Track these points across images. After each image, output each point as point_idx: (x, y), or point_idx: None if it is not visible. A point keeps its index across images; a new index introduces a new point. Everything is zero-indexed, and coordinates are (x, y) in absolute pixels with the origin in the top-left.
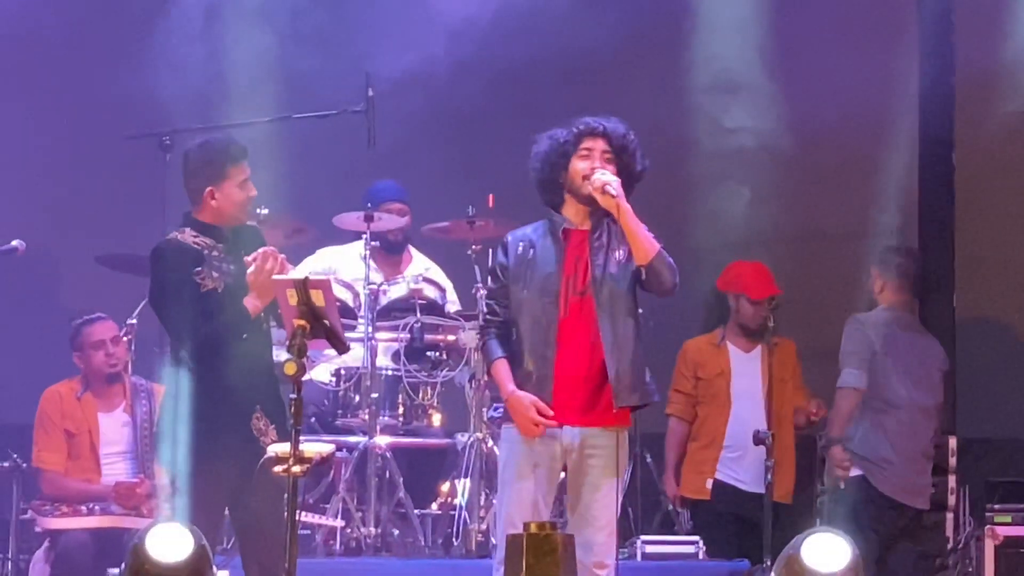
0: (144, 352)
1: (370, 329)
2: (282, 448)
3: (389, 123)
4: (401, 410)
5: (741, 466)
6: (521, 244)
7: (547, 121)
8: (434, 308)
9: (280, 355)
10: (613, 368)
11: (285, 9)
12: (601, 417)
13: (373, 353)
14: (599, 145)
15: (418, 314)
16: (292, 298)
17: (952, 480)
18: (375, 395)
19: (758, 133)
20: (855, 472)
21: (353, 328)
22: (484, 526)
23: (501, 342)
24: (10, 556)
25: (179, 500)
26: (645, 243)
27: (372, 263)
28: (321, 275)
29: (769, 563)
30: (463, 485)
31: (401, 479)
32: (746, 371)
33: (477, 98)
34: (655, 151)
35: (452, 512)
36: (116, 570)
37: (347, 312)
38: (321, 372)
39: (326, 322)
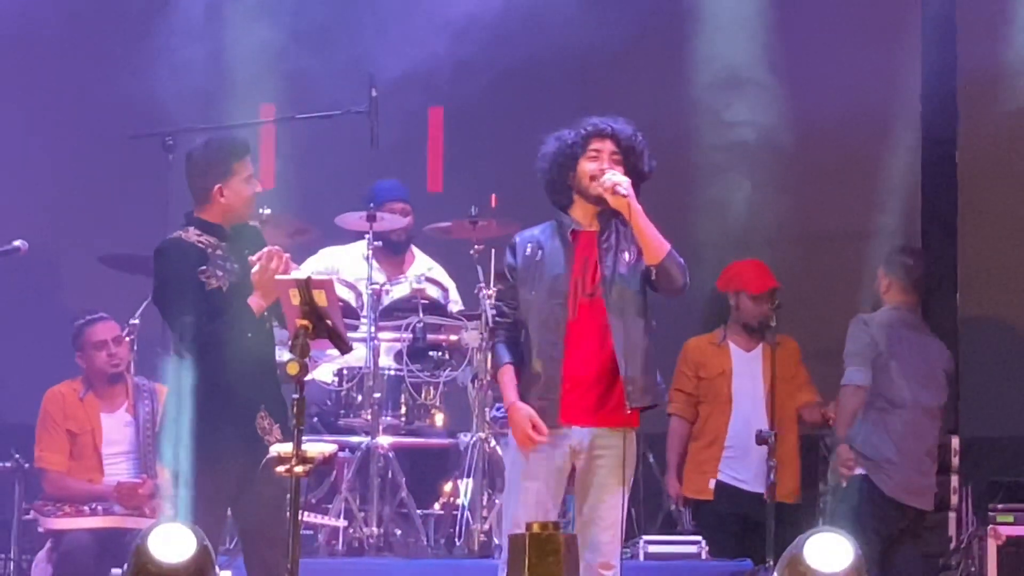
0: (146, 352)
1: (373, 329)
2: (284, 448)
3: (392, 123)
4: (404, 410)
5: (743, 466)
6: (529, 245)
7: (550, 121)
8: (437, 308)
9: (283, 355)
10: (626, 370)
11: (287, 9)
12: (610, 418)
13: (376, 353)
14: (607, 146)
15: (421, 314)
16: (295, 298)
17: (955, 480)
18: (377, 395)
19: (760, 133)
20: (858, 471)
21: (356, 328)
22: (487, 526)
23: (509, 346)
24: (12, 557)
25: (181, 500)
26: (655, 243)
27: (375, 263)
28: (324, 275)
29: (772, 563)
30: (466, 485)
31: (403, 479)
32: (747, 370)
33: (479, 98)
34: (656, 149)
35: (455, 512)
36: (119, 570)
37: (350, 312)
38: (323, 372)
39: (329, 322)
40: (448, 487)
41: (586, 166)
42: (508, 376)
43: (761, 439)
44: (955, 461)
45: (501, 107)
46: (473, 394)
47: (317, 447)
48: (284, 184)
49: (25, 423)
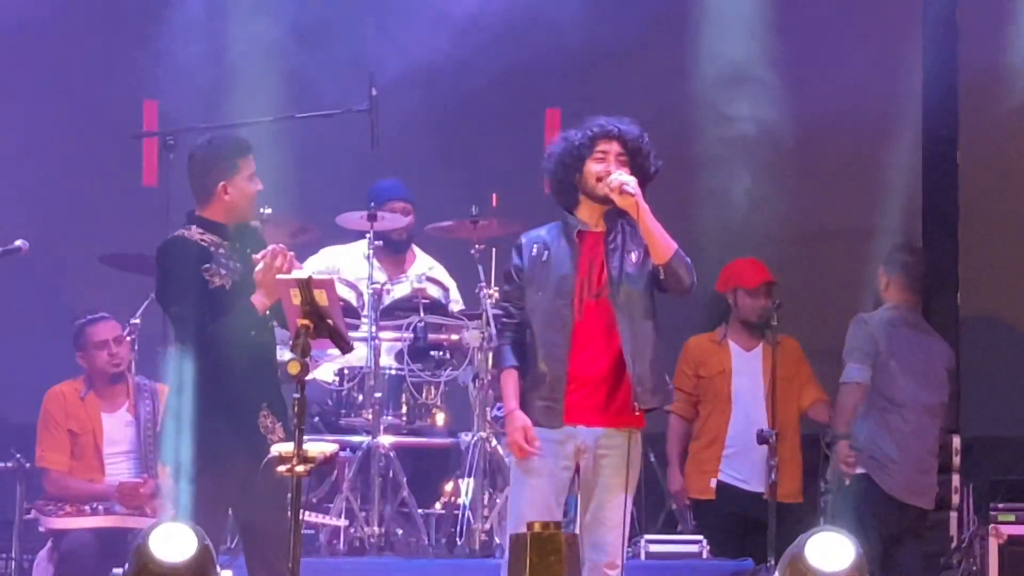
0: (147, 352)
1: (374, 328)
2: (285, 447)
3: (393, 122)
4: (405, 409)
5: (743, 465)
6: (535, 246)
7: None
8: (437, 307)
9: (284, 354)
10: (634, 370)
11: (288, 8)
12: (616, 418)
13: (377, 352)
14: (614, 147)
15: (422, 313)
16: (296, 297)
17: (956, 479)
18: (378, 394)
19: (761, 131)
20: (859, 471)
21: (357, 327)
22: (488, 525)
23: (514, 348)
24: (14, 556)
25: (183, 499)
26: (663, 242)
27: (376, 262)
28: (325, 274)
29: (773, 562)
30: (467, 484)
31: (405, 478)
32: (747, 369)
33: (480, 97)
34: (657, 148)
35: (456, 512)
36: (120, 570)
37: (351, 311)
38: (325, 372)
39: (330, 321)
40: (449, 486)
41: (593, 167)
42: (510, 382)
43: (762, 438)
44: (956, 460)
45: (502, 106)
46: (474, 393)
47: (318, 447)
48: (285, 183)
49: (26, 423)
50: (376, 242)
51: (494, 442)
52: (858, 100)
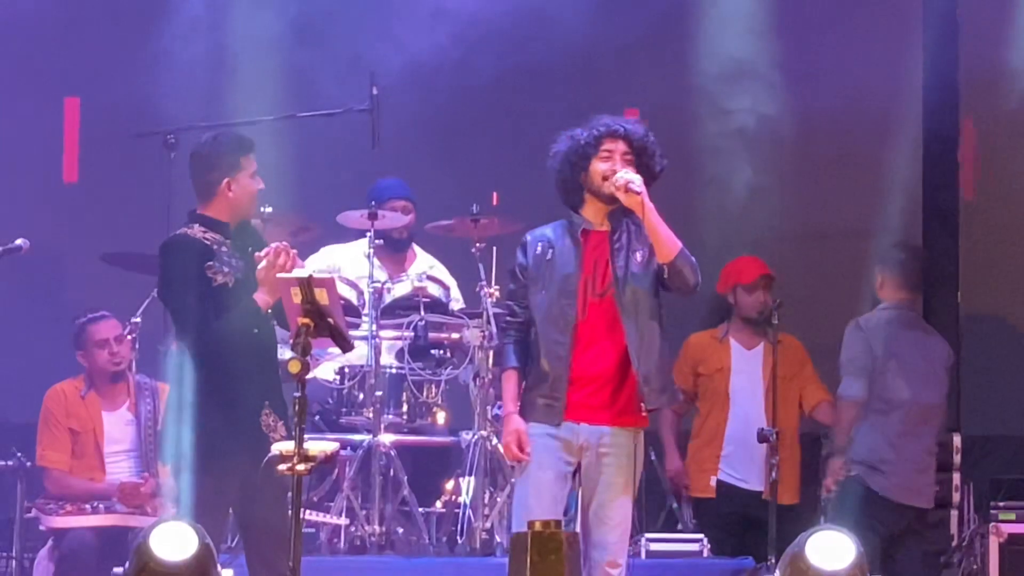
0: (148, 350)
1: (374, 327)
2: (286, 446)
3: (393, 121)
4: (405, 408)
5: (742, 464)
6: (540, 244)
7: (551, 119)
8: (438, 306)
9: (284, 353)
10: (640, 370)
11: (289, 6)
12: (620, 417)
13: (377, 351)
14: (619, 147)
15: (422, 312)
16: (296, 296)
17: (956, 477)
18: (379, 393)
19: (761, 130)
20: (852, 473)
21: (357, 326)
22: (488, 524)
23: (517, 348)
24: (14, 555)
25: (183, 498)
26: (668, 241)
27: (376, 261)
28: (325, 273)
29: (773, 561)
30: (467, 483)
31: (405, 477)
32: (747, 368)
33: (480, 95)
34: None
35: (456, 510)
36: (120, 569)
37: (351, 310)
38: (325, 370)
39: (330, 320)
40: (450, 485)
41: (598, 166)
42: (510, 383)
43: (763, 437)
44: (957, 459)
45: (502, 105)
46: (475, 392)
47: (319, 445)
48: (286, 182)
49: (27, 421)
50: (377, 241)
51: (495, 441)
52: (859, 98)
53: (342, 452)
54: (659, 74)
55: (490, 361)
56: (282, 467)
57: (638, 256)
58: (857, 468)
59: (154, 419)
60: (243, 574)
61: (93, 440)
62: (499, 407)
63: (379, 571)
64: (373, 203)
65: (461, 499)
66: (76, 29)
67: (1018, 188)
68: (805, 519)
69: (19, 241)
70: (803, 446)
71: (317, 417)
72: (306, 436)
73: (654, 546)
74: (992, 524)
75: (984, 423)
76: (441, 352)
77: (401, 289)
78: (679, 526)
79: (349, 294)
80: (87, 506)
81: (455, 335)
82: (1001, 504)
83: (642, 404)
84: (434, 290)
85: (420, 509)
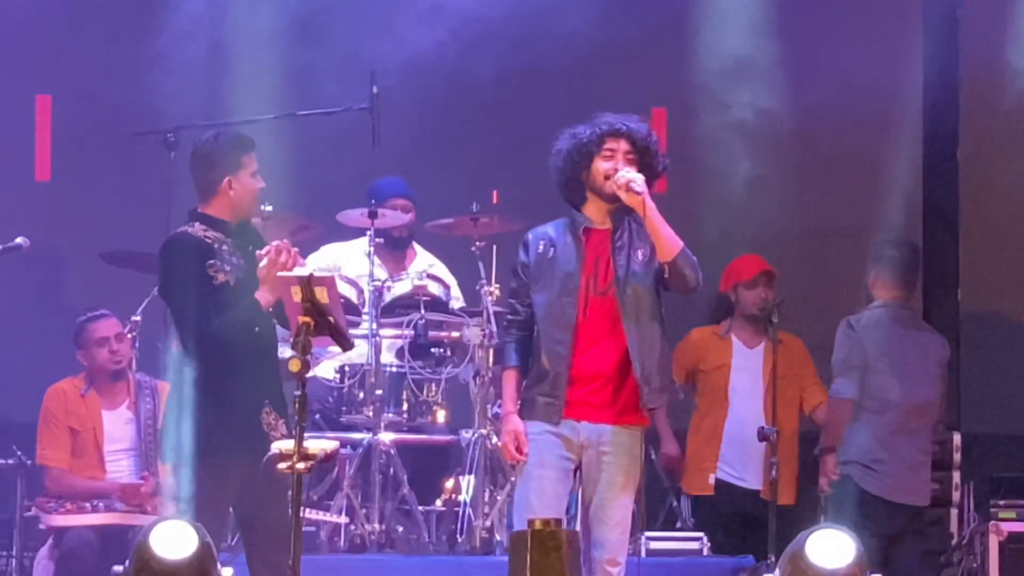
0: (148, 349)
1: (374, 326)
2: (286, 445)
3: (393, 119)
4: (405, 407)
5: (740, 462)
6: (542, 243)
7: (552, 117)
8: (438, 304)
9: (284, 352)
10: (641, 369)
11: (289, 5)
12: (621, 416)
13: (377, 350)
14: (622, 146)
15: (422, 310)
16: (296, 295)
17: (956, 476)
18: (379, 392)
19: (762, 130)
20: (845, 473)
21: (357, 325)
22: (488, 523)
23: (519, 347)
24: (15, 554)
25: (183, 496)
26: (669, 240)
27: (376, 259)
28: (325, 272)
29: (773, 559)
30: (467, 482)
31: (405, 476)
32: (747, 366)
33: (481, 93)
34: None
35: (456, 509)
36: (120, 567)
37: (351, 309)
38: (325, 369)
39: (330, 319)
40: (450, 484)
41: (601, 165)
42: (511, 382)
43: (763, 435)
44: (956, 457)
45: (503, 103)
46: (475, 391)
47: (319, 444)
48: (286, 181)
49: (27, 420)
50: (377, 239)
51: (495, 439)
52: (859, 98)
53: (342, 451)
54: (659, 72)
55: (490, 359)
56: (282, 465)
57: (639, 255)
58: (850, 468)
59: (154, 418)
60: (243, 573)
61: (93, 439)
62: (499, 406)
63: (379, 569)
64: (373, 202)
65: (461, 498)
66: (76, 27)
67: (1018, 187)
68: (802, 519)
69: (19, 240)
70: (801, 447)
71: (317, 416)
72: (306, 434)
73: (654, 544)
74: (992, 523)
75: (984, 421)
76: (441, 350)
77: (401, 288)
78: (679, 524)
79: (349, 293)
80: (87, 505)
81: (455, 333)
82: (1001, 503)
83: (642, 403)
84: (434, 289)
85: (420, 508)
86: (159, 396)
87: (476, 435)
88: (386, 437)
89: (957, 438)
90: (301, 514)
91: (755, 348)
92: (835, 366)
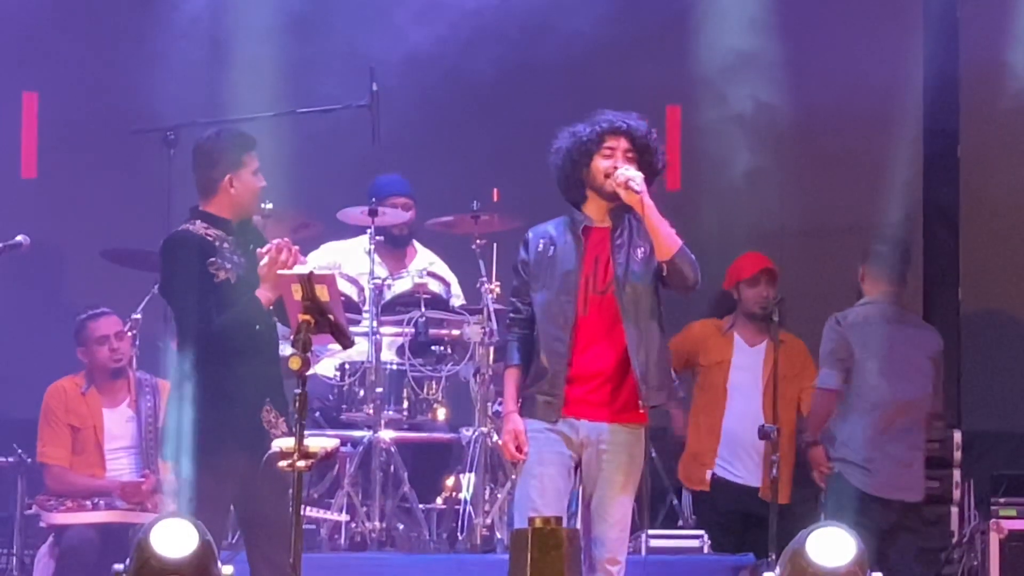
0: (148, 347)
1: (375, 323)
2: (287, 443)
3: (394, 117)
4: (406, 404)
5: (737, 459)
6: (542, 241)
7: (552, 114)
8: (438, 302)
9: (285, 349)
10: (639, 367)
11: (289, 3)
12: (620, 414)
13: (378, 347)
14: (621, 144)
15: (422, 308)
16: (297, 293)
17: (957, 474)
18: (379, 390)
19: (762, 127)
20: (835, 470)
21: (358, 323)
22: (489, 521)
23: (520, 345)
24: (15, 552)
25: (184, 494)
26: (667, 239)
27: (376, 258)
28: (326, 270)
29: (774, 557)
30: (468, 479)
31: (406, 474)
32: (747, 364)
33: (481, 91)
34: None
35: (457, 507)
36: (121, 565)
37: (351, 307)
38: (326, 367)
39: (331, 317)
40: (450, 482)
41: (600, 163)
42: (511, 381)
43: (764, 433)
44: (957, 455)
45: (503, 102)
46: (475, 389)
47: (319, 442)
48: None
49: (27, 418)
50: (377, 237)
51: (495, 437)
52: (859, 95)
53: (342, 448)
54: (660, 69)
55: (491, 357)
56: (283, 463)
57: (639, 253)
58: (841, 466)
59: (154, 415)
60: (244, 571)
61: (93, 437)
62: (499, 403)
63: (379, 567)
64: (374, 200)
65: (461, 495)
66: (70, 24)
67: (1018, 185)
68: (799, 517)
69: (19, 238)
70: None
71: (318, 413)
72: (307, 432)
73: (655, 542)
74: (993, 520)
75: (984, 419)
76: (441, 348)
77: (401, 285)
78: (679, 522)
79: (350, 290)
80: (88, 503)
81: (455, 331)
82: (1002, 500)
83: (640, 402)
84: (434, 286)
85: (420, 505)
86: (159, 394)
87: (476, 433)
88: (386, 435)
89: (958, 436)
90: (302, 512)
91: (756, 346)
92: (821, 358)
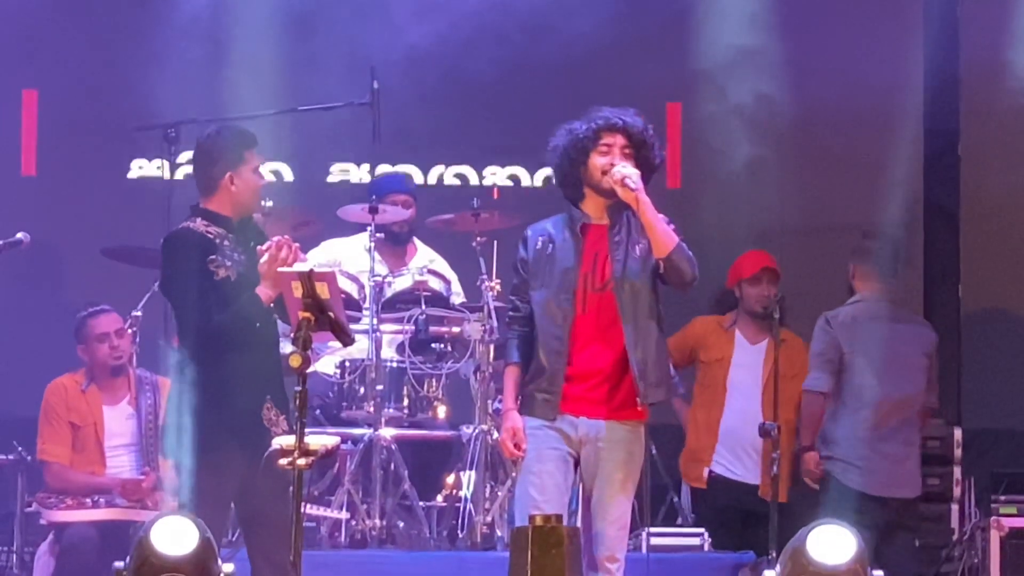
0: (149, 345)
1: (375, 321)
2: (287, 440)
3: (395, 115)
4: (406, 402)
5: (736, 457)
6: (540, 239)
7: (553, 110)
8: (439, 300)
9: (285, 347)
10: (638, 365)
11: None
12: (619, 412)
13: (378, 345)
14: (618, 140)
15: (423, 306)
16: (297, 290)
17: (957, 471)
18: (380, 387)
19: (762, 126)
20: (827, 470)
21: (358, 320)
22: (489, 518)
23: (520, 343)
24: (15, 549)
25: (184, 492)
26: (664, 236)
27: (377, 255)
28: (326, 267)
29: (774, 555)
30: (468, 477)
31: (406, 471)
32: (747, 362)
33: (482, 87)
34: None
35: (457, 504)
36: (121, 563)
37: (352, 304)
38: (326, 364)
39: (331, 314)
40: (451, 479)
41: (597, 160)
42: (511, 379)
43: (764, 431)
44: (957, 453)
45: (504, 97)
46: (475, 386)
47: (319, 439)
48: (286, 176)
49: (28, 415)
50: (377, 235)
51: (496, 435)
52: (860, 94)
53: (343, 446)
54: (660, 67)
55: (491, 355)
56: (283, 461)
57: (637, 250)
58: (834, 466)
59: (155, 413)
60: (244, 568)
61: (94, 434)
62: (500, 401)
63: (380, 565)
64: (374, 197)
65: (462, 493)
66: (76, 22)
67: (1019, 183)
68: (799, 515)
69: (19, 235)
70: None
71: (318, 411)
72: (307, 430)
73: (655, 540)
74: (993, 518)
75: (985, 417)
76: (442, 346)
77: (402, 283)
78: (679, 520)
79: (350, 288)
80: (88, 500)
81: (456, 329)
82: (1002, 498)
83: (638, 399)
84: (435, 284)
85: (421, 503)
86: (160, 392)
87: (477, 430)
88: (387, 433)
89: (958, 433)
90: (302, 510)
91: (757, 345)
92: (811, 360)
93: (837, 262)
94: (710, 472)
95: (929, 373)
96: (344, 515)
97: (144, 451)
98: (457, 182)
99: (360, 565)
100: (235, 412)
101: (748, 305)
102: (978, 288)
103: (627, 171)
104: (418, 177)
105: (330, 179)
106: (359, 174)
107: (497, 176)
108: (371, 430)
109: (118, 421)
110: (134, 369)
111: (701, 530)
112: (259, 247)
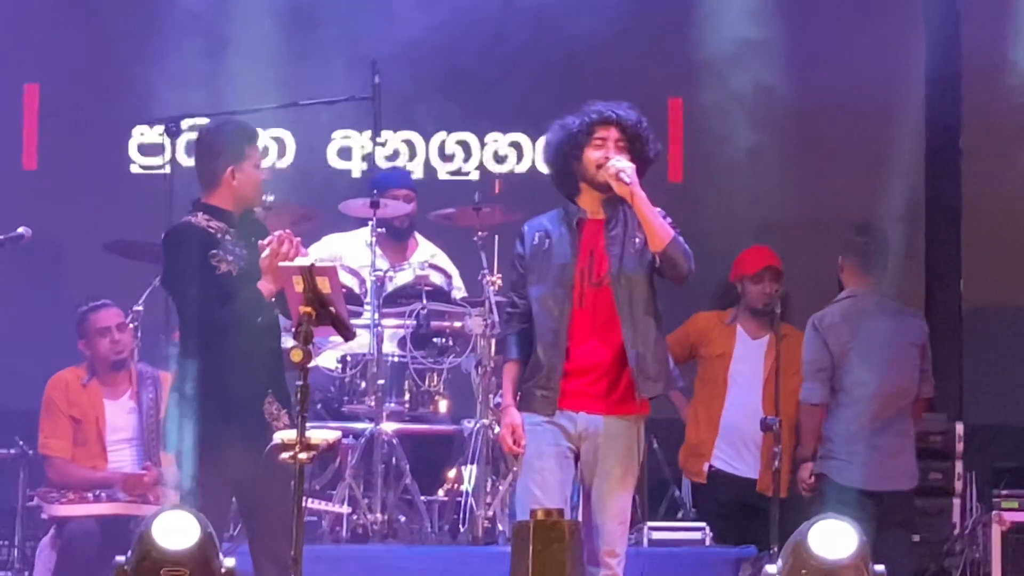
0: (150, 339)
1: (376, 316)
2: (288, 435)
3: (396, 109)
4: (407, 396)
5: (736, 451)
6: (537, 234)
7: (554, 105)
8: (440, 294)
9: (286, 342)
10: (636, 359)
11: None
12: (618, 406)
13: (379, 340)
14: (612, 134)
15: (424, 300)
16: (298, 285)
17: (959, 466)
18: (381, 382)
19: (764, 121)
20: (819, 470)
21: (359, 315)
22: (491, 513)
23: (519, 339)
24: (16, 543)
25: (186, 486)
26: (660, 230)
27: (378, 250)
28: (327, 262)
29: (776, 550)
30: (469, 471)
31: (407, 466)
32: (748, 357)
33: (483, 82)
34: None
35: (458, 499)
36: (123, 557)
37: (353, 299)
38: (327, 359)
39: (332, 309)
40: (452, 474)
41: (591, 155)
42: (510, 375)
43: (766, 426)
44: (959, 448)
45: (506, 93)
46: (477, 380)
47: (321, 434)
48: (287, 170)
49: (29, 410)
50: (379, 229)
51: (497, 429)
52: (862, 88)
53: (344, 440)
54: (662, 61)
55: (492, 349)
56: (284, 455)
57: (634, 245)
58: (827, 463)
59: (156, 407)
60: (245, 563)
61: (95, 428)
62: (501, 396)
63: (381, 559)
64: (375, 192)
65: (463, 487)
66: (77, 16)
67: (1021, 178)
68: (799, 510)
69: (21, 229)
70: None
71: (319, 405)
72: (308, 424)
73: (656, 535)
74: (995, 512)
75: (986, 412)
76: (443, 340)
77: (403, 277)
78: (680, 514)
79: (351, 282)
80: (89, 495)
81: (457, 323)
82: (1004, 492)
83: (637, 393)
84: (436, 278)
85: (422, 497)
86: (161, 386)
87: (478, 425)
88: (388, 427)
89: (960, 428)
90: (303, 504)
91: (759, 340)
92: (804, 367)
93: (836, 257)
94: (710, 467)
95: (922, 363)
96: (345, 509)
97: (145, 445)
98: (460, 150)
99: (361, 559)
100: (236, 406)
101: (750, 302)
102: (979, 283)
103: (621, 165)
104: (420, 145)
105: (331, 146)
106: (361, 141)
107: (499, 143)
108: (372, 424)
109: (119, 415)
110: (135, 363)
111: (702, 524)
112: (260, 242)
